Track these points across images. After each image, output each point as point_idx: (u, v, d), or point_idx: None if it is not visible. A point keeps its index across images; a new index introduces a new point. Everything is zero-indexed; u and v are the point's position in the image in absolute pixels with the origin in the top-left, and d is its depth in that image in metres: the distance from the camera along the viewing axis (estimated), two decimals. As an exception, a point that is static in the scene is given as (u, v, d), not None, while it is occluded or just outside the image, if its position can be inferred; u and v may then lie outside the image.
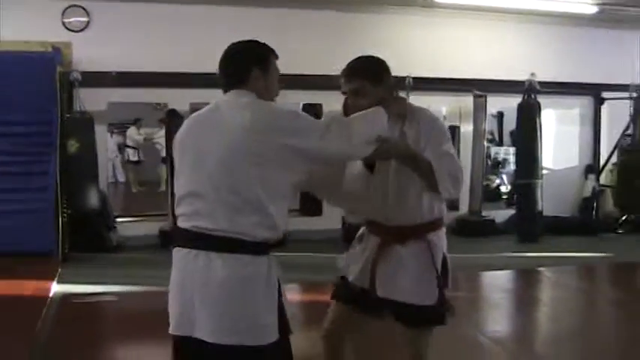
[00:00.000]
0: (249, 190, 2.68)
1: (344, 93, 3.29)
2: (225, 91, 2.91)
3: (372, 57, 3.36)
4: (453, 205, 11.70)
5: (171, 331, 2.83)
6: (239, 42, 2.98)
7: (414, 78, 10.17)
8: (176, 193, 2.89)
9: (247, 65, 2.90)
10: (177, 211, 2.85)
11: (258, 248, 2.74)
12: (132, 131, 17.39)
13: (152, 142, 16.51)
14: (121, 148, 17.99)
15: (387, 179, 3.29)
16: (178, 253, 2.83)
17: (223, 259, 2.69)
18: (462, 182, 3.27)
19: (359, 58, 3.34)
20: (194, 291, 2.72)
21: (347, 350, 3.65)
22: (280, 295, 2.82)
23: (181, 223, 2.82)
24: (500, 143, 17.02)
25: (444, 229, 3.46)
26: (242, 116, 2.73)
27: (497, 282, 8.55)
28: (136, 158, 17.36)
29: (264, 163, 2.68)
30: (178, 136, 2.95)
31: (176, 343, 2.86)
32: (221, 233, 2.68)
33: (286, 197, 2.82)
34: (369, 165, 3.31)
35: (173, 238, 2.93)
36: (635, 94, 11.65)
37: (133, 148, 17.33)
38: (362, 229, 3.55)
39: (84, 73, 9.25)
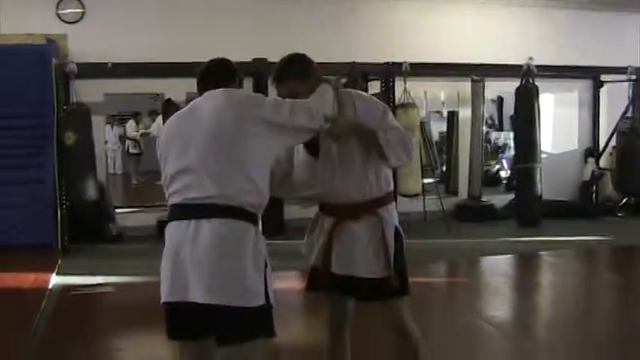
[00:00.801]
0: (234, 158, 2.88)
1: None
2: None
3: (294, 56, 3.41)
4: (452, 191, 11.75)
5: (164, 299, 2.90)
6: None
7: (410, 64, 10.13)
8: (164, 177, 3.03)
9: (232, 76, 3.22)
10: (168, 191, 2.98)
11: (246, 215, 2.88)
12: (130, 125, 17.43)
13: (150, 136, 16.48)
14: (122, 139, 18.07)
15: (331, 160, 3.39)
16: (170, 227, 2.94)
17: (212, 224, 2.83)
18: (412, 148, 3.41)
19: (283, 62, 3.38)
20: (185, 257, 2.82)
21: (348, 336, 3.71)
22: (267, 266, 2.92)
23: (172, 200, 2.96)
24: (500, 128, 17.06)
25: (394, 204, 3.57)
26: (221, 98, 3.01)
27: (497, 267, 8.53)
28: (136, 150, 17.38)
29: (246, 135, 2.90)
30: (163, 133, 3.13)
31: (168, 310, 2.93)
32: (209, 201, 2.84)
33: (267, 167, 3.00)
34: (312, 151, 3.43)
35: (167, 218, 2.99)
36: (633, 77, 11.60)
37: (133, 140, 17.36)
38: (315, 213, 3.63)
39: (80, 65, 9.19)
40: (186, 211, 2.87)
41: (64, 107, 9.14)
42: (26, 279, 7.40)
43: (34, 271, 7.69)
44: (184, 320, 2.93)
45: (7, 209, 8.92)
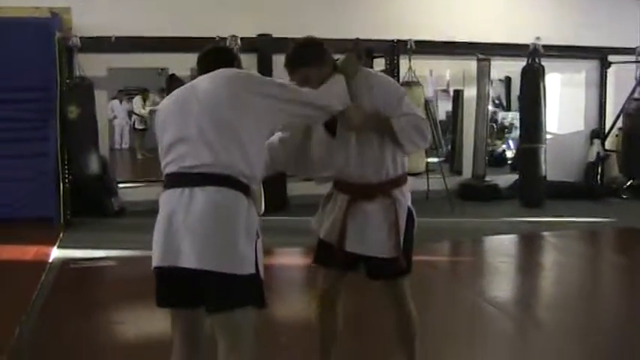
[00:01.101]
0: (229, 128, 2.90)
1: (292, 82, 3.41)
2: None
3: (307, 43, 3.43)
4: (457, 170, 11.71)
5: (155, 264, 2.90)
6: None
7: (416, 41, 10.07)
8: (161, 148, 3.05)
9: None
10: (165, 161, 3.00)
11: (239, 185, 2.90)
12: (137, 102, 17.45)
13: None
14: (130, 115, 18.12)
15: (348, 140, 3.43)
16: (164, 195, 2.96)
17: (206, 192, 2.85)
18: (428, 133, 3.47)
19: (295, 48, 3.40)
20: (179, 223, 2.83)
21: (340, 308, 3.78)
22: (258, 237, 2.95)
23: (168, 170, 2.98)
24: (507, 108, 16.99)
25: (407, 185, 3.60)
26: (221, 73, 3.05)
27: (500, 247, 8.51)
28: (142, 126, 17.42)
29: (242, 106, 2.94)
30: (162, 106, 3.18)
31: (159, 276, 2.95)
32: (204, 169, 2.86)
33: (262, 140, 3.06)
34: (331, 130, 3.45)
35: (164, 184, 3.01)
36: (641, 58, 11.53)
37: (140, 116, 17.38)
38: (330, 189, 3.67)
39: (83, 39, 9.17)
40: (181, 179, 2.90)
41: (67, 81, 9.11)
42: (27, 252, 7.41)
43: (36, 244, 7.69)
44: (174, 287, 2.95)
45: (10, 182, 8.91)
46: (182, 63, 9.98)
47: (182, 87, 3.14)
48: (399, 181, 3.53)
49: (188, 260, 2.79)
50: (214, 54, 3.26)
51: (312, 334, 3.85)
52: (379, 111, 3.37)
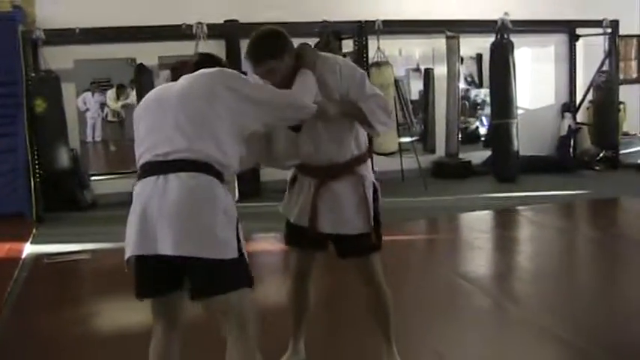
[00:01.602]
0: (207, 121, 2.91)
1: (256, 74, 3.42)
2: None
3: (269, 34, 3.37)
4: (430, 149, 11.72)
5: (130, 253, 2.85)
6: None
7: (383, 21, 10.04)
8: (136, 139, 3.03)
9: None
10: (139, 151, 2.98)
11: (213, 172, 2.88)
12: (110, 97, 17.41)
13: (130, 106, 16.45)
14: (103, 107, 18.05)
15: (314, 128, 3.44)
16: (138, 185, 2.92)
17: (181, 178, 2.82)
18: (392, 112, 3.64)
19: (257, 40, 3.35)
20: (154, 211, 2.80)
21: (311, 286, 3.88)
22: (238, 220, 2.95)
23: (142, 160, 2.95)
24: (479, 85, 17.00)
25: (369, 161, 3.69)
26: (198, 72, 3.09)
27: (475, 223, 8.52)
28: (115, 119, 17.40)
29: (223, 104, 2.94)
30: (140, 103, 3.15)
31: (137, 265, 2.91)
32: (178, 155, 2.85)
33: (236, 132, 3.01)
34: (294, 127, 3.46)
35: (138, 176, 2.98)
36: (609, 30, 11.57)
37: (113, 110, 17.38)
38: (293, 172, 3.70)
39: (47, 32, 9.04)
40: (155, 167, 2.87)
41: (33, 75, 9.00)
42: (0, 249, 7.32)
43: (8, 240, 7.60)
44: (154, 276, 2.94)
45: (-20, 179, 8.82)
46: (149, 52, 9.94)
47: (161, 85, 3.18)
48: (363, 158, 3.60)
49: (165, 247, 2.76)
50: (200, 64, 3.24)
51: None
52: (349, 99, 3.41)
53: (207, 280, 2.84)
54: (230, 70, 3.18)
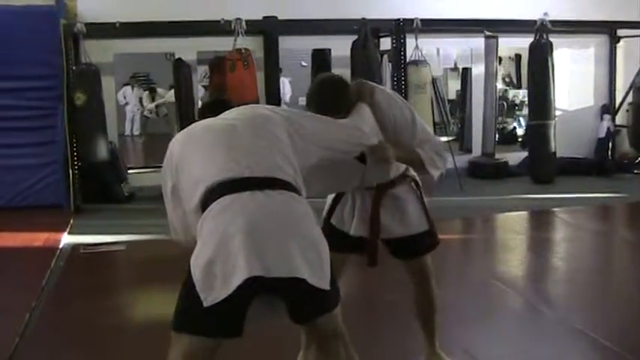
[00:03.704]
0: (283, 150, 2.78)
1: None
2: None
3: (338, 88, 3.39)
4: (466, 148, 11.67)
5: (249, 274, 2.42)
6: None
7: (422, 20, 10.00)
8: (194, 169, 2.75)
9: None
10: (204, 177, 2.68)
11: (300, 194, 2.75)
12: (145, 97, 17.99)
13: (166, 105, 16.86)
14: (142, 102, 18.50)
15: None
16: (226, 199, 2.58)
17: (283, 195, 2.64)
18: (444, 152, 3.61)
19: (323, 94, 3.37)
20: (266, 226, 2.53)
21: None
22: None
23: (216, 179, 2.65)
24: (518, 86, 16.94)
25: None
26: (260, 106, 3.15)
27: (510, 224, 8.47)
28: (151, 115, 18.21)
29: (292, 138, 2.85)
30: (184, 139, 2.93)
31: (240, 292, 2.45)
32: (270, 174, 2.67)
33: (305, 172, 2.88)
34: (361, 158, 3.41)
35: (209, 197, 2.63)
36: (651, 32, 11.43)
37: (148, 110, 17.94)
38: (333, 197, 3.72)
39: (88, 25, 9.13)
40: (248, 184, 2.61)
41: (74, 68, 9.09)
42: (38, 238, 7.43)
43: (46, 231, 7.71)
44: (245, 308, 2.52)
45: (20, 170, 8.94)
46: (188, 47, 10.03)
47: (201, 124, 2.96)
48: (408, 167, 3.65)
49: (301, 271, 2.50)
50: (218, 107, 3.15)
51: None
52: (403, 141, 3.44)
53: (311, 305, 2.63)
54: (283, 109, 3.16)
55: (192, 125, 2.98)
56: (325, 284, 2.57)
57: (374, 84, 3.57)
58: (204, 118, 3.05)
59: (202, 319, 2.52)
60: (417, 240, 3.64)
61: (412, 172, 3.62)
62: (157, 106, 17.64)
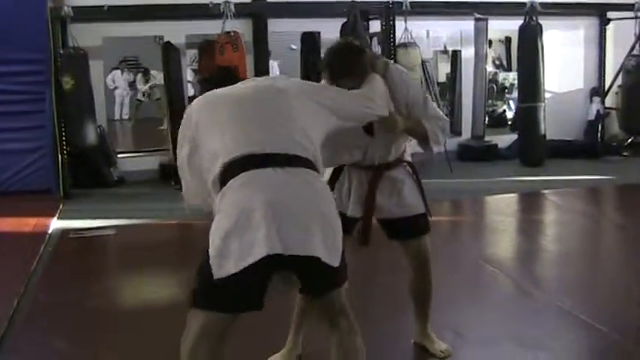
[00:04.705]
0: (302, 125, 2.82)
1: None
2: None
3: (353, 53, 3.42)
4: (456, 131, 11.65)
5: (269, 251, 2.47)
6: None
7: (411, 2, 9.97)
8: (214, 137, 2.78)
9: None
10: (226, 147, 2.71)
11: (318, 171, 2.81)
12: (140, 79, 17.84)
13: (158, 87, 16.76)
14: (132, 85, 18.39)
15: (387, 135, 3.54)
16: (247, 175, 2.61)
17: (309, 173, 2.71)
18: (448, 128, 3.72)
19: (340, 58, 3.42)
20: (287, 205, 2.56)
21: None
22: None
23: (236, 153, 2.67)
24: (508, 69, 16.93)
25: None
26: (281, 78, 3.24)
27: (500, 206, 8.47)
28: (144, 98, 18.05)
29: (309, 110, 2.89)
30: (195, 112, 2.94)
31: (255, 269, 2.51)
32: (292, 151, 2.70)
33: (320, 136, 2.94)
34: (368, 129, 3.51)
35: (228, 172, 2.66)
36: (640, 14, 11.42)
37: (142, 92, 17.83)
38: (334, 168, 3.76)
39: (76, 8, 9.04)
40: (267, 160, 2.64)
41: (61, 52, 9.02)
42: (27, 223, 7.41)
43: (35, 216, 7.69)
44: (263, 283, 2.61)
45: (8, 155, 8.90)
46: (177, 30, 9.96)
47: (220, 93, 2.98)
48: (405, 151, 3.77)
49: (318, 250, 2.56)
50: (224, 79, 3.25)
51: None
52: (413, 115, 3.54)
53: (322, 280, 2.71)
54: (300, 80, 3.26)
55: (211, 93, 3.00)
56: (337, 262, 2.64)
57: (390, 62, 3.65)
58: (213, 88, 3.05)
59: (216, 294, 2.57)
60: (413, 222, 3.71)
61: (408, 157, 3.72)
62: (150, 88, 17.48)
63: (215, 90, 3.01)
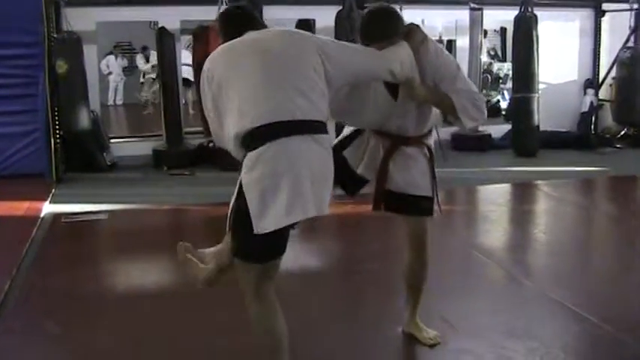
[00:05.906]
0: (314, 82, 2.99)
1: None
2: None
3: (387, 15, 3.48)
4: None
5: (304, 215, 2.91)
6: None
7: (407, -9, 9.96)
8: (237, 97, 2.95)
9: None
10: (250, 109, 2.91)
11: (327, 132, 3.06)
12: (140, 61, 17.62)
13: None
14: (126, 70, 18.19)
15: (409, 105, 3.55)
16: (273, 145, 2.88)
17: (326, 139, 3.01)
18: (485, 108, 3.61)
19: (375, 20, 3.46)
20: (306, 172, 2.90)
21: None
22: None
23: (262, 120, 2.89)
24: (503, 59, 16.93)
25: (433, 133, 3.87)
26: (290, 33, 3.22)
27: (492, 196, 8.49)
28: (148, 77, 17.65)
29: (320, 67, 3.03)
30: (215, 66, 3.08)
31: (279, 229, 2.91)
32: (314, 117, 2.95)
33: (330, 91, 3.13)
34: (392, 92, 3.52)
35: (255, 138, 2.90)
36: (636, 6, 11.41)
37: (144, 72, 17.64)
38: (352, 129, 3.82)
39: (69, -8, 9.03)
40: (294, 128, 2.90)
41: (55, 36, 8.98)
42: (19, 207, 7.41)
43: (28, 199, 7.68)
44: (285, 236, 3.02)
45: (1, 139, 8.89)
46: (172, 16, 9.91)
47: (240, 41, 3.11)
48: (430, 132, 3.78)
49: (316, 209, 2.93)
50: (242, 18, 3.26)
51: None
52: (440, 89, 3.50)
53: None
54: (313, 35, 3.27)
55: (232, 43, 3.12)
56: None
57: (426, 34, 3.62)
58: (232, 30, 3.19)
59: (256, 247, 2.97)
60: (415, 201, 3.71)
61: (429, 142, 3.73)
62: (152, 67, 17.21)
63: (236, 40, 3.12)
